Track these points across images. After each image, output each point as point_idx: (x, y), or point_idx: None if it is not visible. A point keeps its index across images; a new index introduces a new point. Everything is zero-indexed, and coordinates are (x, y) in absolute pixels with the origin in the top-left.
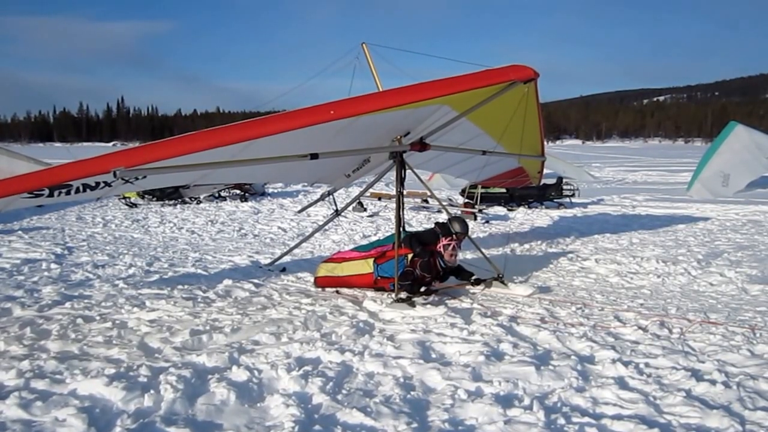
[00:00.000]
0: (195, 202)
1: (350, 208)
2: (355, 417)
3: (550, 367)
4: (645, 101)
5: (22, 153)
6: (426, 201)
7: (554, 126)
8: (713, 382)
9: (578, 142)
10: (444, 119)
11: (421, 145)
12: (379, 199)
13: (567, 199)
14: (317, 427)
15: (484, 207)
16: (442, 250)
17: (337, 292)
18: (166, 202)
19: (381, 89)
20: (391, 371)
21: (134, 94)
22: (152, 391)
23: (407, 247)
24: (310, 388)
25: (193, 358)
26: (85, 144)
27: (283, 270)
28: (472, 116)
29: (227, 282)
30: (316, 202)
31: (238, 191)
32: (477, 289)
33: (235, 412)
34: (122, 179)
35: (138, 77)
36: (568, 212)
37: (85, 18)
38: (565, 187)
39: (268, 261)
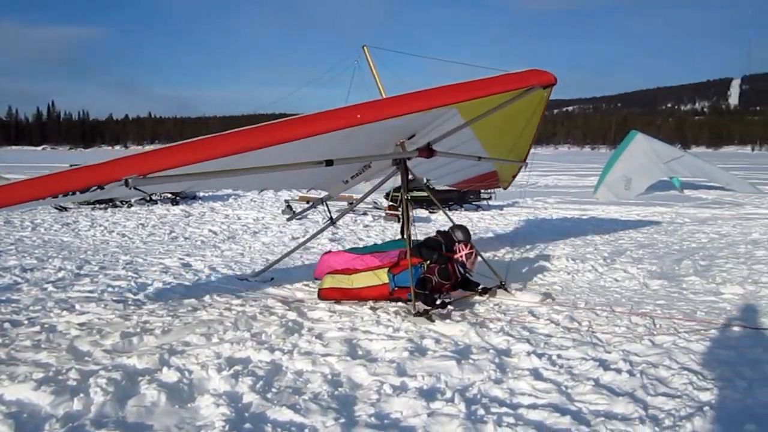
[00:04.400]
0: (126, 205)
1: (281, 210)
2: (285, 414)
3: (470, 361)
4: (555, 111)
5: None
6: (351, 203)
7: None
8: (619, 371)
9: None
10: (451, 123)
11: (428, 152)
12: (307, 202)
13: (484, 202)
14: (248, 425)
15: None
16: (463, 258)
17: (337, 302)
18: (97, 206)
19: (383, 93)
20: (319, 369)
21: (65, 98)
22: (82, 395)
23: (418, 256)
24: (240, 388)
25: (123, 361)
26: (14, 147)
27: (272, 279)
28: (471, 120)
29: (158, 284)
30: (307, 209)
31: (169, 195)
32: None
33: (166, 413)
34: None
35: (69, 82)
36: (486, 214)
37: (15, 23)
38: (482, 190)
39: (242, 271)
